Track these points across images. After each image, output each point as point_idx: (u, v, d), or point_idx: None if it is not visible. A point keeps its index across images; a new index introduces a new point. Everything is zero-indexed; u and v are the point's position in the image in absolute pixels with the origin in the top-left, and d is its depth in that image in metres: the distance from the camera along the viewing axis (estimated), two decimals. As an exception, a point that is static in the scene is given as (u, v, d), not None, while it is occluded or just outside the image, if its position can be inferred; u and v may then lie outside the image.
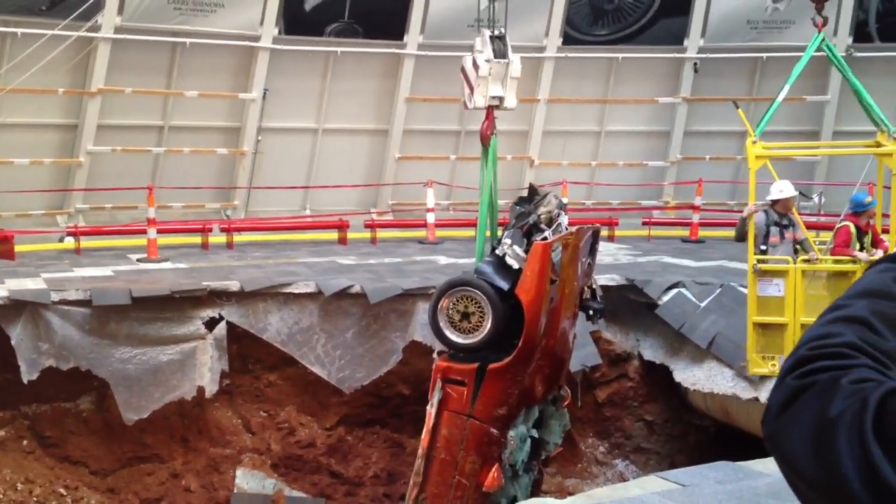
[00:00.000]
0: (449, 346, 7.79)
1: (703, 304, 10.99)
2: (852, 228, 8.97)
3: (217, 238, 13.19)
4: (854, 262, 8.83)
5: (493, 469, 7.63)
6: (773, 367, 8.80)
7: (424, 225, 14.00)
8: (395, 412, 11.20)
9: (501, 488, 7.84)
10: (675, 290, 11.24)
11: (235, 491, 10.32)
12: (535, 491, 8.58)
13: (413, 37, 14.66)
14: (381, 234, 14.00)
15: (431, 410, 7.66)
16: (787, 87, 8.97)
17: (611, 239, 14.25)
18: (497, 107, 8.18)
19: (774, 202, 9.25)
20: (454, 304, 7.57)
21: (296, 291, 10.56)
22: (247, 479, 10.47)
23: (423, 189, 14.18)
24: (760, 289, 8.75)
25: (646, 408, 11.75)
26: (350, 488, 10.80)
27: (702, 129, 16.52)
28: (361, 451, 11.06)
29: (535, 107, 15.40)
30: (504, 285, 7.52)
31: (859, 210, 9.09)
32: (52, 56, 12.05)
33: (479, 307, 7.51)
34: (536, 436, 8.15)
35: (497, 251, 7.72)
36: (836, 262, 8.92)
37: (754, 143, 8.58)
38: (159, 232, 12.23)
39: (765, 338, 8.85)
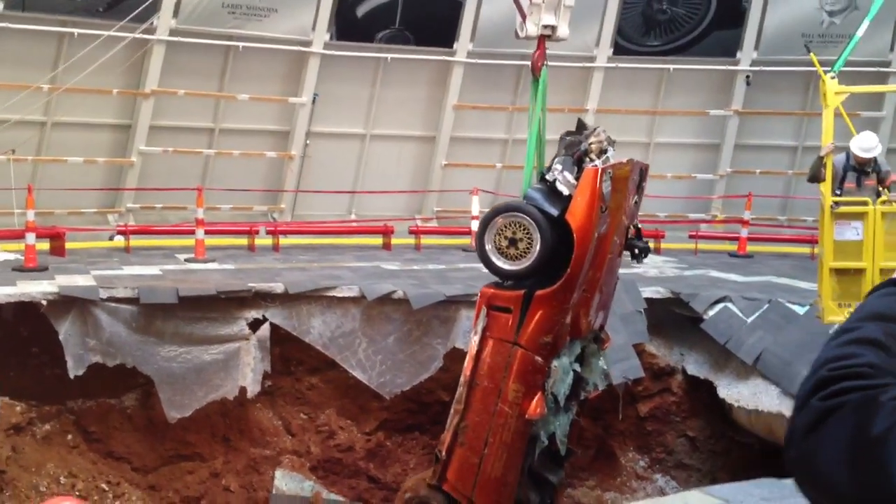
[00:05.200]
0: (495, 273, 7.72)
1: (749, 320, 10.82)
2: None
3: (263, 240, 13.30)
4: None
5: (537, 397, 7.59)
6: (849, 314, 8.42)
7: (469, 232, 13.97)
8: (434, 419, 11.16)
9: (543, 419, 7.80)
10: (721, 305, 11.08)
11: (274, 492, 10.36)
12: (571, 435, 8.49)
13: (463, 44, 14.67)
14: (426, 240, 14.01)
15: (475, 338, 7.66)
16: (866, 23, 8.61)
17: (657, 252, 14.10)
18: (549, 37, 8.04)
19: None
20: (502, 229, 7.54)
21: (339, 295, 10.59)
22: (285, 481, 10.51)
23: (468, 196, 14.17)
24: (838, 232, 8.32)
25: (688, 423, 11.60)
26: (388, 494, 10.79)
27: (753, 142, 16.31)
28: (400, 456, 11.05)
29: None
30: (554, 211, 7.43)
31: None
32: (107, 57, 12.24)
33: (526, 233, 7.45)
34: (579, 370, 8.11)
35: (547, 177, 7.63)
36: None
37: (833, 78, 8.18)
38: (207, 233, 12.36)
39: (841, 284, 8.43)
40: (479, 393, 7.69)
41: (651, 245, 8.96)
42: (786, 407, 9.98)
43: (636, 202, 8.34)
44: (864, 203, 8.34)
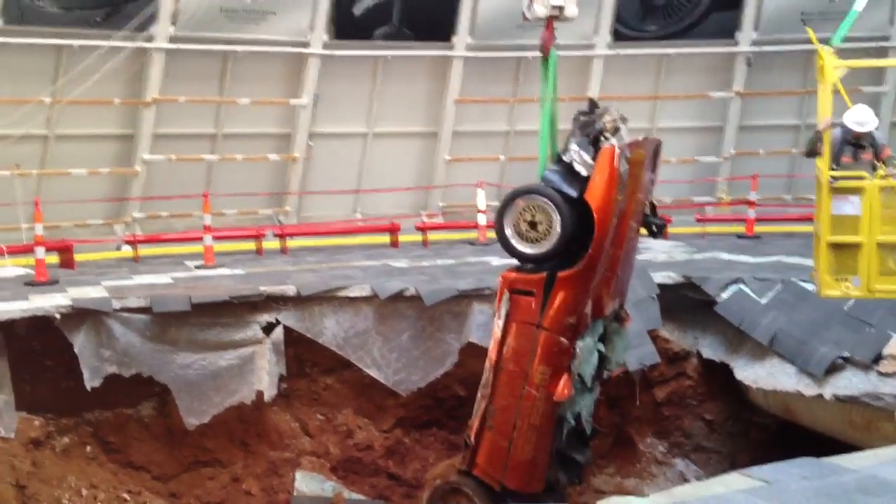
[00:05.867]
0: (516, 257, 7.76)
1: (763, 301, 10.82)
2: None
3: (271, 244, 13.30)
4: None
5: (564, 379, 7.60)
6: (846, 288, 8.40)
7: (475, 226, 13.98)
8: (451, 414, 11.18)
9: (570, 400, 7.80)
10: (734, 287, 11.07)
11: (295, 494, 10.38)
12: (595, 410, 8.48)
13: (461, 38, 14.65)
14: (433, 236, 14.00)
15: (499, 322, 7.67)
16: None
17: (665, 236, 14.07)
18: (557, 17, 8.02)
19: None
20: (521, 213, 7.54)
21: (351, 295, 10.60)
22: (306, 482, 10.53)
23: (473, 190, 14.16)
24: (835, 207, 8.25)
25: (705, 406, 11.60)
26: (408, 490, 10.81)
27: (756, 123, 16.27)
28: (419, 452, 11.06)
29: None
30: (573, 192, 7.45)
31: None
32: (108, 67, 12.24)
33: (546, 215, 7.47)
34: (603, 350, 8.11)
35: (564, 158, 7.62)
36: None
37: (832, 52, 8.10)
38: (214, 239, 12.36)
39: (838, 258, 8.40)
40: (505, 377, 7.73)
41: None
42: (803, 385, 9.98)
43: (651, 179, 8.35)
44: (862, 177, 8.31)
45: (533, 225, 7.54)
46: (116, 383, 9.87)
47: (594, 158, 7.43)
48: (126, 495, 9.76)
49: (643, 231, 8.61)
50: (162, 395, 10.25)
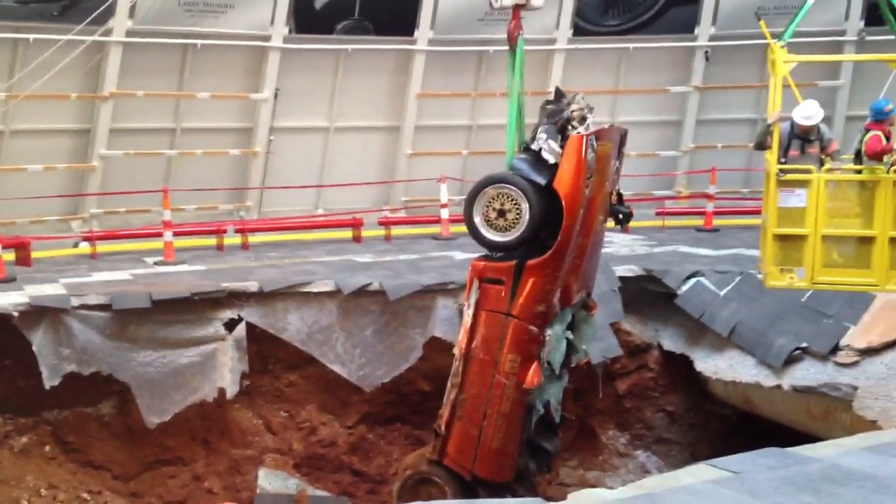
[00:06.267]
0: (485, 246, 7.82)
1: (722, 293, 10.96)
2: (882, 136, 8.60)
3: (232, 239, 13.19)
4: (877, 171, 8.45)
5: (533, 366, 7.66)
6: (791, 279, 8.58)
7: (438, 221, 13.98)
8: (415, 409, 11.18)
9: (540, 388, 7.85)
10: (694, 280, 11.21)
11: (258, 491, 10.31)
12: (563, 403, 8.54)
13: (423, 32, 14.61)
14: (395, 231, 13.99)
15: (469, 311, 7.71)
16: None
17: (625, 230, 14.19)
18: (523, 6, 8.05)
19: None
20: (490, 201, 7.57)
21: (315, 290, 10.56)
22: (269, 480, 10.47)
23: (435, 185, 14.15)
24: (782, 199, 8.44)
25: (666, 398, 11.73)
26: (372, 486, 10.81)
27: (713, 117, 16.44)
28: (383, 448, 11.06)
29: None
30: (541, 180, 7.52)
31: (881, 118, 8.74)
32: (65, 62, 12.04)
33: (515, 204, 7.53)
34: (571, 337, 8.17)
35: (532, 146, 7.66)
36: (859, 171, 8.61)
37: (782, 47, 8.25)
38: (174, 235, 12.23)
39: (784, 250, 8.58)
40: (475, 366, 7.76)
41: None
42: (762, 376, 10.14)
43: (617, 168, 8.42)
44: (808, 171, 8.47)
45: (502, 213, 7.59)
46: (76, 382, 9.73)
47: (562, 147, 7.47)
48: (86, 495, 9.64)
49: (609, 224, 8.68)
50: (122, 393, 10.13)
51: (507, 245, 7.65)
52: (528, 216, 7.49)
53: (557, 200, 7.42)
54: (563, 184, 7.38)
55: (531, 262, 7.57)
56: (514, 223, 7.56)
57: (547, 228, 7.59)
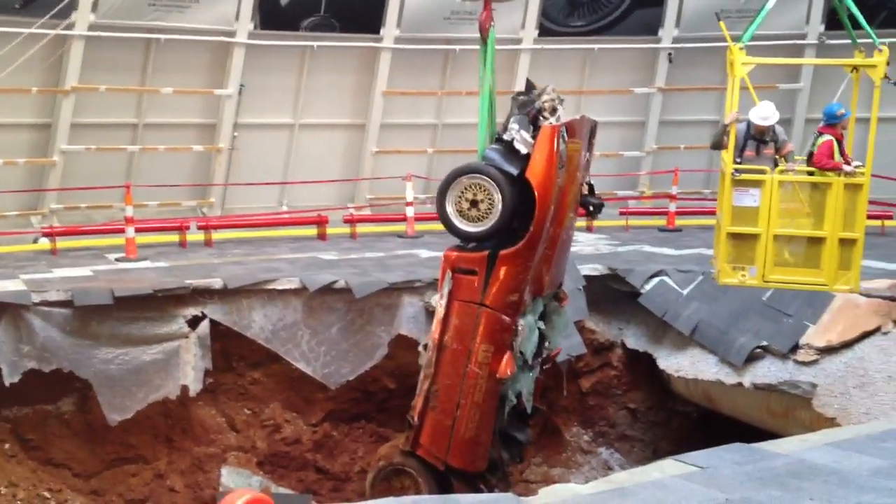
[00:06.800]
0: (457, 236, 7.85)
1: (685, 292, 11.08)
2: (834, 142, 8.77)
3: (195, 236, 13.07)
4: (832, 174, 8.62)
5: (506, 356, 7.70)
6: (743, 277, 8.72)
7: (404, 219, 13.98)
8: (380, 407, 11.18)
9: (512, 378, 7.89)
10: (657, 279, 11.32)
11: (221, 489, 10.24)
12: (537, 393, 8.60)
13: (389, 30, 14.61)
14: (361, 228, 13.96)
15: (442, 301, 7.74)
16: None
17: (589, 229, 14.32)
18: None
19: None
20: (463, 191, 7.60)
21: (279, 288, 10.50)
22: (232, 478, 10.40)
23: (401, 183, 14.15)
24: (736, 199, 8.61)
25: (629, 396, 11.83)
26: (337, 484, 10.78)
27: (676, 118, 16.63)
28: (347, 446, 11.03)
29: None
30: (513, 170, 7.56)
31: (833, 122, 8.92)
32: (27, 55, 11.88)
33: (487, 194, 7.57)
34: (543, 328, 8.21)
35: (504, 137, 7.70)
36: (812, 173, 8.77)
37: (741, 49, 8.37)
38: (136, 231, 12.10)
39: (737, 248, 8.72)
40: (448, 356, 7.78)
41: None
42: (723, 374, 10.26)
43: (588, 160, 8.48)
44: (763, 171, 8.61)
45: (474, 203, 7.63)
46: (36, 379, 9.60)
47: (534, 137, 7.52)
48: (46, 493, 9.52)
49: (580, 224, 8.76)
50: (83, 390, 10.01)
51: (480, 235, 7.70)
52: (500, 206, 7.55)
53: (530, 190, 7.47)
54: (535, 174, 7.44)
55: (504, 251, 7.63)
56: (486, 213, 7.61)
57: (519, 218, 7.64)
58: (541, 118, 7.65)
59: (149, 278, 10.61)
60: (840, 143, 8.85)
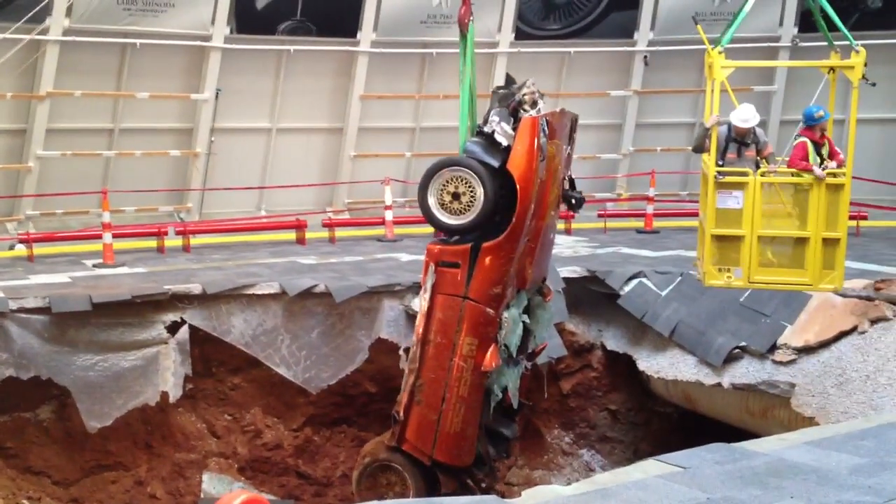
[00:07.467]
0: (440, 229, 7.87)
1: (664, 293, 11.14)
2: (809, 143, 8.84)
3: (172, 241, 13.01)
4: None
5: (491, 349, 7.72)
6: (728, 278, 8.78)
7: (382, 223, 13.98)
8: (361, 411, 11.16)
9: (497, 372, 7.90)
10: (636, 281, 11.37)
11: (202, 496, 10.21)
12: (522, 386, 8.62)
13: (366, 34, 14.61)
14: (339, 233, 13.94)
15: (425, 296, 7.74)
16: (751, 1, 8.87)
17: (567, 232, 14.36)
18: None
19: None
20: (444, 184, 7.62)
21: (259, 292, 10.47)
22: (213, 484, 10.37)
23: (379, 187, 14.15)
24: (719, 201, 8.62)
25: (609, 397, 11.88)
26: (318, 489, 10.76)
27: (652, 121, 16.74)
28: (329, 451, 11.01)
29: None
30: (494, 162, 7.57)
31: (812, 123, 8.96)
32: (1, 61, 11.80)
33: (469, 187, 7.58)
34: (527, 321, 8.24)
35: (485, 129, 7.72)
36: (794, 174, 8.80)
37: (720, 52, 8.40)
38: (114, 237, 12.03)
39: (721, 250, 8.76)
40: (432, 350, 7.78)
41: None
42: (702, 375, 10.33)
43: (569, 153, 8.52)
44: (745, 174, 8.69)
45: (456, 196, 7.64)
46: (14, 386, 9.52)
47: (515, 129, 7.55)
48: (25, 501, 9.44)
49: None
50: (62, 397, 9.93)
51: (463, 228, 7.72)
52: (482, 198, 7.57)
53: (511, 183, 7.50)
54: (516, 165, 7.47)
55: (486, 244, 7.66)
56: (468, 206, 7.63)
57: (502, 212, 7.67)
58: (521, 111, 7.68)
59: (127, 284, 10.56)
60: (819, 144, 8.93)
